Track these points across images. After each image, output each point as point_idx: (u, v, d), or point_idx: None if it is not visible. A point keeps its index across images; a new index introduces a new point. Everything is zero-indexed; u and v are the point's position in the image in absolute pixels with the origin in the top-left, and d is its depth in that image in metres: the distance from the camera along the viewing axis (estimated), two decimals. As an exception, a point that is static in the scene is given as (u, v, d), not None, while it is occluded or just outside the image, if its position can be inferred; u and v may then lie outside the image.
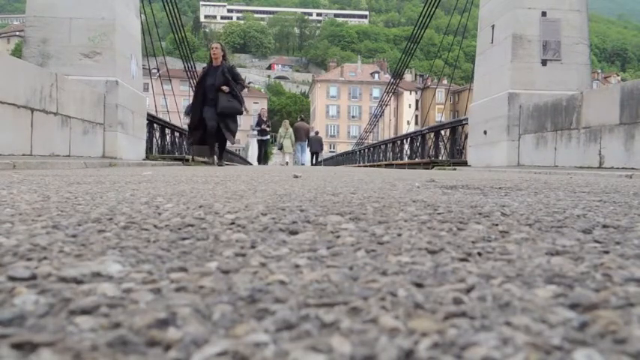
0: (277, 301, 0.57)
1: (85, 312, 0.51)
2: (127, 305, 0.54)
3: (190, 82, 22.41)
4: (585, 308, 0.54)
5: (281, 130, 19.05)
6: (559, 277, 0.68)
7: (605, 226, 1.20)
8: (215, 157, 9.54)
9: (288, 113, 79.11)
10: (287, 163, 18.56)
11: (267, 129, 18.63)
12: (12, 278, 0.64)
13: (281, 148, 18.98)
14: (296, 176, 3.98)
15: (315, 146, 22.48)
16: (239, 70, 10.77)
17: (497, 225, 1.20)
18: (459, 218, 1.32)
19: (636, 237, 1.04)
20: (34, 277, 0.65)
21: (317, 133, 25.16)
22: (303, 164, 18.91)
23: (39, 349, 0.42)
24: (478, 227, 1.15)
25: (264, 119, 18.37)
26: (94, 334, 0.45)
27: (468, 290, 0.62)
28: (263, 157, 19.15)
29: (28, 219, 1.18)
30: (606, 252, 0.87)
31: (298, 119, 20.31)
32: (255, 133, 19.07)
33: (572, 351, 0.42)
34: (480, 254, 0.84)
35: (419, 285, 0.64)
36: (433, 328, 0.47)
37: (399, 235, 1.04)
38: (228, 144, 9.84)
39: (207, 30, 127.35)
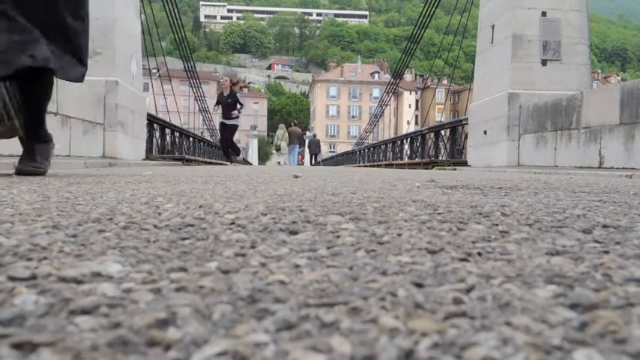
0: (277, 301, 0.57)
1: (85, 312, 0.51)
2: (127, 305, 0.54)
3: (190, 82, 22.45)
4: (585, 308, 0.54)
5: (279, 133, 19.96)
6: (559, 277, 0.68)
7: (605, 226, 1.20)
8: None
9: (288, 113, 79.12)
10: (282, 162, 18.93)
11: (235, 110, 12.53)
12: (12, 278, 0.64)
13: (278, 149, 19.81)
14: (296, 176, 3.98)
15: (314, 148, 23.82)
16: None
17: (497, 225, 1.20)
18: (459, 218, 1.32)
19: (636, 237, 1.04)
20: (34, 277, 0.65)
21: (315, 135, 26.57)
22: (301, 164, 19.25)
23: (39, 349, 0.42)
24: (478, 227, 1.15)
25: (226, 91, 12.56)
26: (94, 334, 0.45)
27: (468, 290, 0.62)
28: (228, 151, 13.63)
29: (28, 219, 1.18)
30: (606, 252, 0.87)
31: (292, 124, 20.97)
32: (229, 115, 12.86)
33: (572, 351, 0.42)
34: (480, 254, 0.84)
35: (419, 285, 0.64)
36: (433, 328, 0.47)
37: (399, 235, 1.04)
38: None
39: (207, 30, 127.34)
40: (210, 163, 16.61)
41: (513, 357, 0.41)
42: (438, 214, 1.42)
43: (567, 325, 0.49)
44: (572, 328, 0.48)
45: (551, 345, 0.43)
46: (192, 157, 15.60)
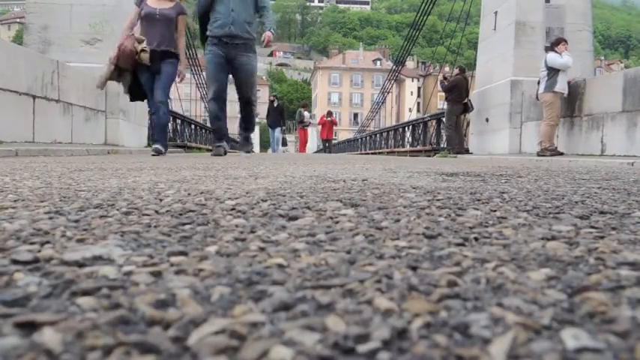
0: (275, 284, 0.58)
1: (86, 293, 0.53)
2: (128, 287, 0.55)
3: (192, 70, 22.36)
4: (576, 290, 0.55)
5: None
6: (553, 261, 0.69)
7: (602, 213, 1.21)
8: None
9: (290, 101, 78.77)
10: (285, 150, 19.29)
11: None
12: (15, 261, 0.65)
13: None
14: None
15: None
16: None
17: (495, 211, 1.21)
18: (458, 204, 1.33)
19: (633, 223, 1.05)
20: (36, 260, 0.66)
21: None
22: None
23: (42, 327, 0.43)
24: (476, 213, 1.16)
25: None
26: (95, 314, 0.47)
27: (463, 273, 0.63)
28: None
29: (31, 205, 1.19)
30: (602, 237, 0.88)
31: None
32: None
33: (560, 330, 0.43)
34: (476, 239, 0.85)
35: (415, 268, 0.65)
36: (426, 309, 0.48)
37: (398, 220, 1.05)
38: None
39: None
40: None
41: (502, 336, 0.42)
42: (438, 200, 1.43)
43: (557, 306, 0.50)
44: (562, 309, 0.49)
45: (540, 325, 0.44)
46: (194, 145, 15.58)
